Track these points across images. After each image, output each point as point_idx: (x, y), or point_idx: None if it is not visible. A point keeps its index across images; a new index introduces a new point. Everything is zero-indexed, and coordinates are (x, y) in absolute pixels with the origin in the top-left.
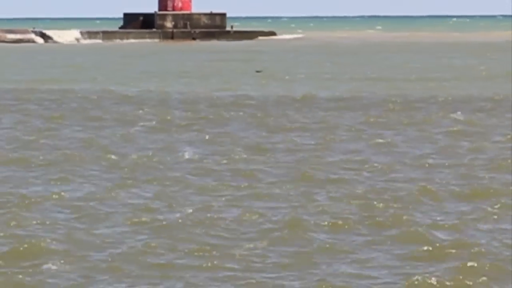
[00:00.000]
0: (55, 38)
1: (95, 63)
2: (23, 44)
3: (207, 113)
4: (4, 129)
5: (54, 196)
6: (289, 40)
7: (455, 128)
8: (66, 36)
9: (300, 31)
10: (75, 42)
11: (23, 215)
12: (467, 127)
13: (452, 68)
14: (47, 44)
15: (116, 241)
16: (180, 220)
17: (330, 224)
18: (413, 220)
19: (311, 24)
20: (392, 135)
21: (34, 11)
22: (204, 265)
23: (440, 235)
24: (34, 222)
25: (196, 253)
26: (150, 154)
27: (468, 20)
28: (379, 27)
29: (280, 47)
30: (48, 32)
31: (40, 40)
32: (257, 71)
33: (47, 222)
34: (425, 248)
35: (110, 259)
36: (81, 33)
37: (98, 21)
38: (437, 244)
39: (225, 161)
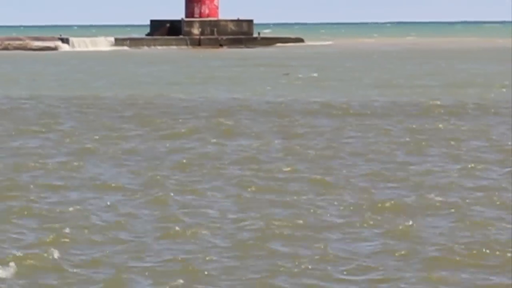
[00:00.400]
0: (82, 45)
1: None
2: (50, 52)
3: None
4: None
5: None
6: (319, 46)
7: None
8: (93, 43)
9: (328, 37)
10: (102, 49)
11: None
12: None
13: None
14: (74, 51)
15: None
16: None
17: None
18: None
19: (343, 30)
20: None
21: (61, 19)
22: None
23: None
24: None
25: None
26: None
27: (499, 25)
28: (413, 33)
29: (312, 53)
30: (75, 40)
31: (66, 47)
32: (285, 74)
33: None
34: None
35: None
36: (108, 40)
37: (126, 28)
38: None
39: None
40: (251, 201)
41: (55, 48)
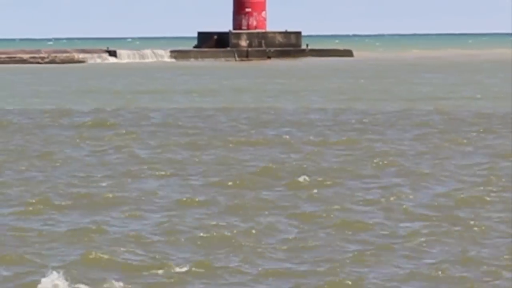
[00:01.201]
0: (128, 57)
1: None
2: (99, 64)
3: None
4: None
5: None
6: (370, 58)
7: None
8: (140, 56)
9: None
10: (148, 61)
11: None
12: None
13: None
14: (122, 62)
15: None
16: None
17: None
18: None
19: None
20: None
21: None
22: None
23: None
24: None
25: None
26: None
27: None
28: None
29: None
30: (122, 52)
31: (113, 59)
32: None
33: None
34: None
35: None
36: (154, 52)
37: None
38: None
39: None
40: None
41: (102, 60)
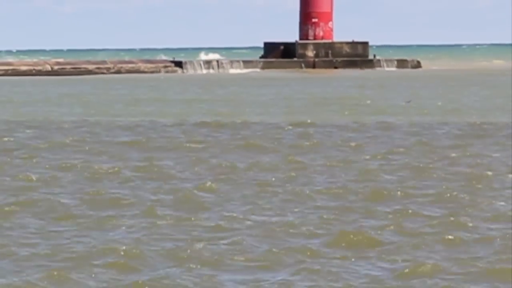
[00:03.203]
0: (197, 68)
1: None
2: (168, 75)
3: None
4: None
5: None
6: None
7: None
8: (206, 66)
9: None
10: (216, 71)
11: None
12: None
13: None
14: (187, 74)
15: None
16: None
17: None
18: None
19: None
20: None
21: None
22: None
23: None
24: None
25: None
26: None
27: None
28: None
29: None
30: (188, 62)
31: (179, 70)
32: (407, 102)
33: None
34: None
35: None
36: (219, 62)
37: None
38: None
39: None
40: None
41: (168, 71)
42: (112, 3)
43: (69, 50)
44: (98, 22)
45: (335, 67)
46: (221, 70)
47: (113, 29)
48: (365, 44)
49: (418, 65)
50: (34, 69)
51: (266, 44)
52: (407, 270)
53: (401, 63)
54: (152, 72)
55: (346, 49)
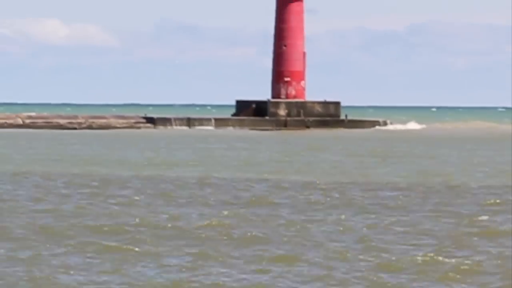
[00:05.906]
0: (164, 124)
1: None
2: (138, 131)
3: None
4: None
5: None
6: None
7: None
8: (176, 123)
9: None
10: (186, 128)
11: None
12: None
13: None
14: (159, 130)
15: None
16: None
17: None
18: None
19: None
20: None
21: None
22: None
23: None
24: None
25: None
26: None
27: None
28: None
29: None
30: (159, 119)
31: (150, 126)
32: None
33: None
34: None
35: None
36: (191, 120)
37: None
38: None
39: None
40: None
41: (139, 127)
42: (87, 59)
43: (40, 104)
44: (71, 76)
45: (307, 127)
46: (194, 127)
47: (88, 84)
48: (337, 104)
49: (386, 125)
50: (6, 123)
51: (238, 102)
52: None
53: (371, 124)
54: (124, 127)
55: (318, 108)
